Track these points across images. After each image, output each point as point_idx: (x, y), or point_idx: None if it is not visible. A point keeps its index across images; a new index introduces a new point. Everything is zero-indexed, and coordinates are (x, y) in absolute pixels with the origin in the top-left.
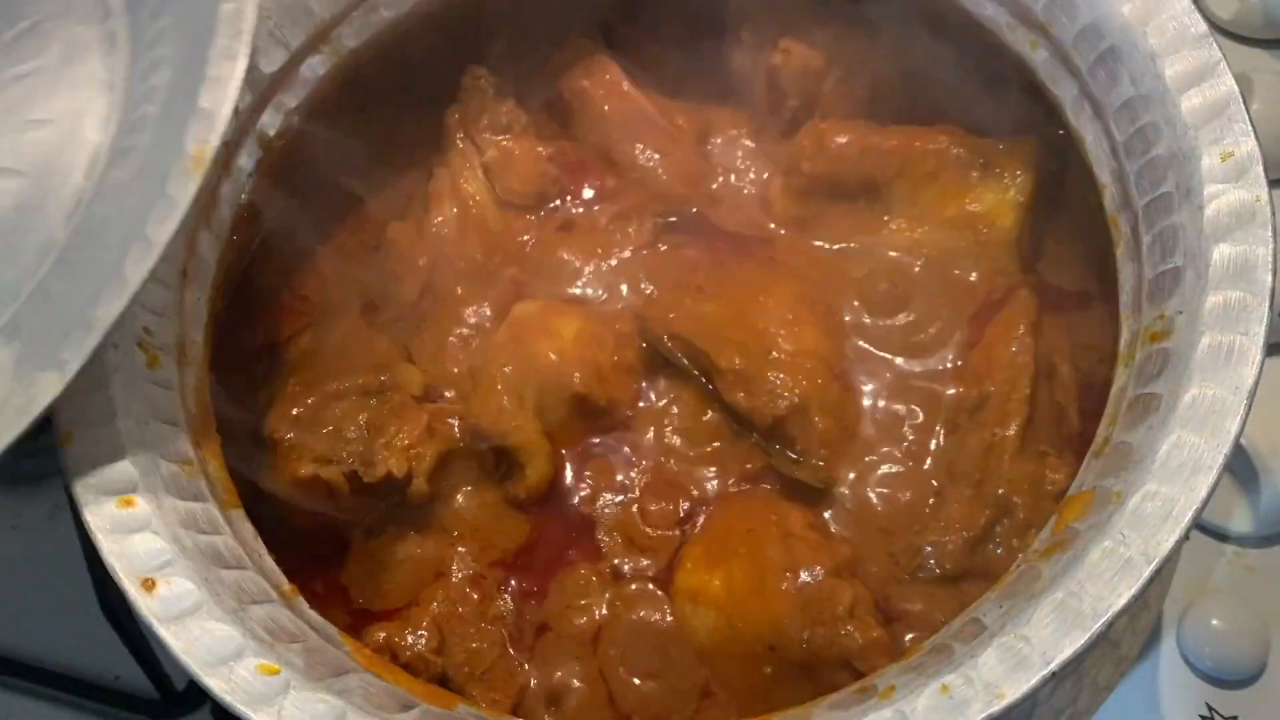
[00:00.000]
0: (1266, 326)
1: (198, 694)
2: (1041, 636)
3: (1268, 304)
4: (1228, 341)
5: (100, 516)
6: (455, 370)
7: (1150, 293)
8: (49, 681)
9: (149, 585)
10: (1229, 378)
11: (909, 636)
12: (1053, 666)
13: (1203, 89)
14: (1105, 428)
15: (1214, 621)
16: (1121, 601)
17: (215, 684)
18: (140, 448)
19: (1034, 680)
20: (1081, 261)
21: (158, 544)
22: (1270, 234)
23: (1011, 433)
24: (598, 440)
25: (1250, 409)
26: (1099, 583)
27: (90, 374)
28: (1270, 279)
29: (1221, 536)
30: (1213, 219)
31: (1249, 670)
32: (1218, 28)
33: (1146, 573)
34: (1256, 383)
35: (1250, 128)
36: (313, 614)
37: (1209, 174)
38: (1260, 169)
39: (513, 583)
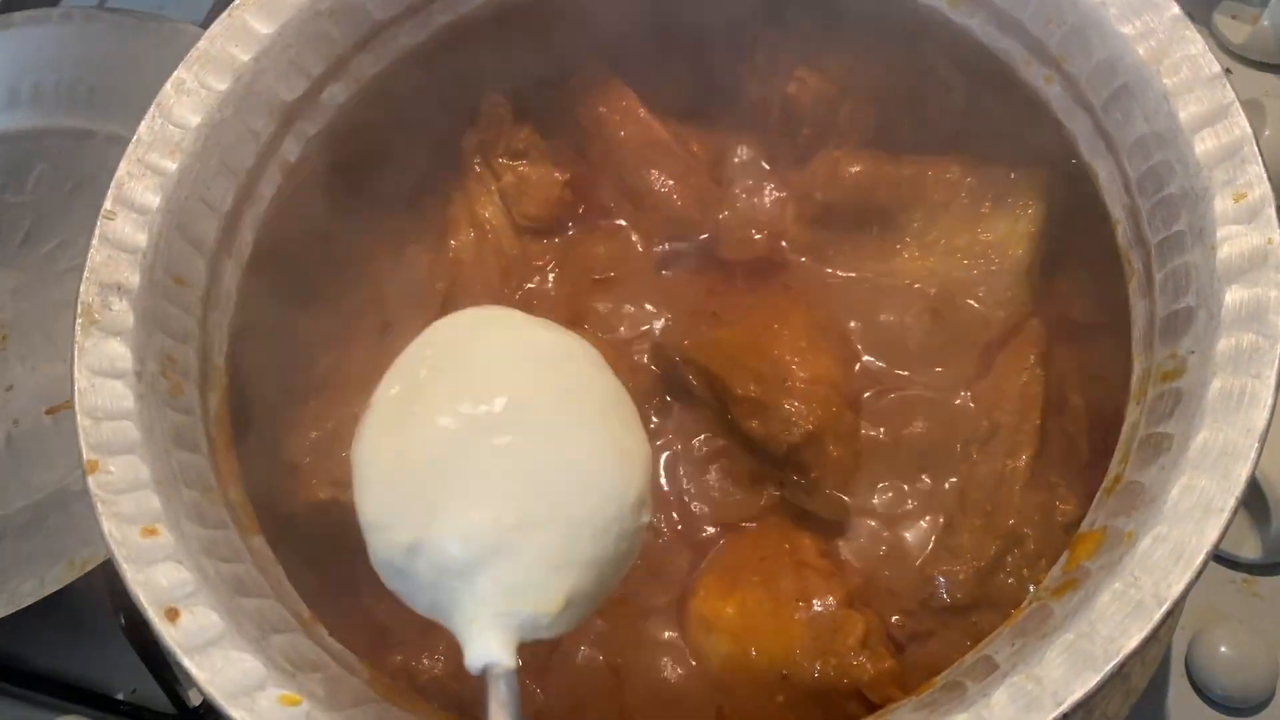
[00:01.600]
0: (1278, 370)
1: (213, 710)
2: (1053, 677)
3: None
4: (1239, 385)
5: (125, 546)
6: None
7: (1162, 331)
8: (67, 695)
9: (173, 615)
10: (1241, 421)
11: (919, 668)
12: (1064, 708)
13: (1216, 130)
14: (1117, 464)
15: (1223, 649)
16: (1133, 643)
17: (239, 715)
18: (163, 476)
19: None
20: (1093, 294)
21: (181, 573)
22: None
23: (1022, 463)
24: None
25: (1261, 452)
26: (1110, 624)
27: (115, 404)
28: None
29: (1231, 564)
30: (1225, 261)
31: (1258, 697)
32: (1230, 52)
33: (1158, 615)
34: (1268, 427)
35: (1263, 170)
36: (332, 642)
37: (1222, 216)
38: (1272, 211)
39: None
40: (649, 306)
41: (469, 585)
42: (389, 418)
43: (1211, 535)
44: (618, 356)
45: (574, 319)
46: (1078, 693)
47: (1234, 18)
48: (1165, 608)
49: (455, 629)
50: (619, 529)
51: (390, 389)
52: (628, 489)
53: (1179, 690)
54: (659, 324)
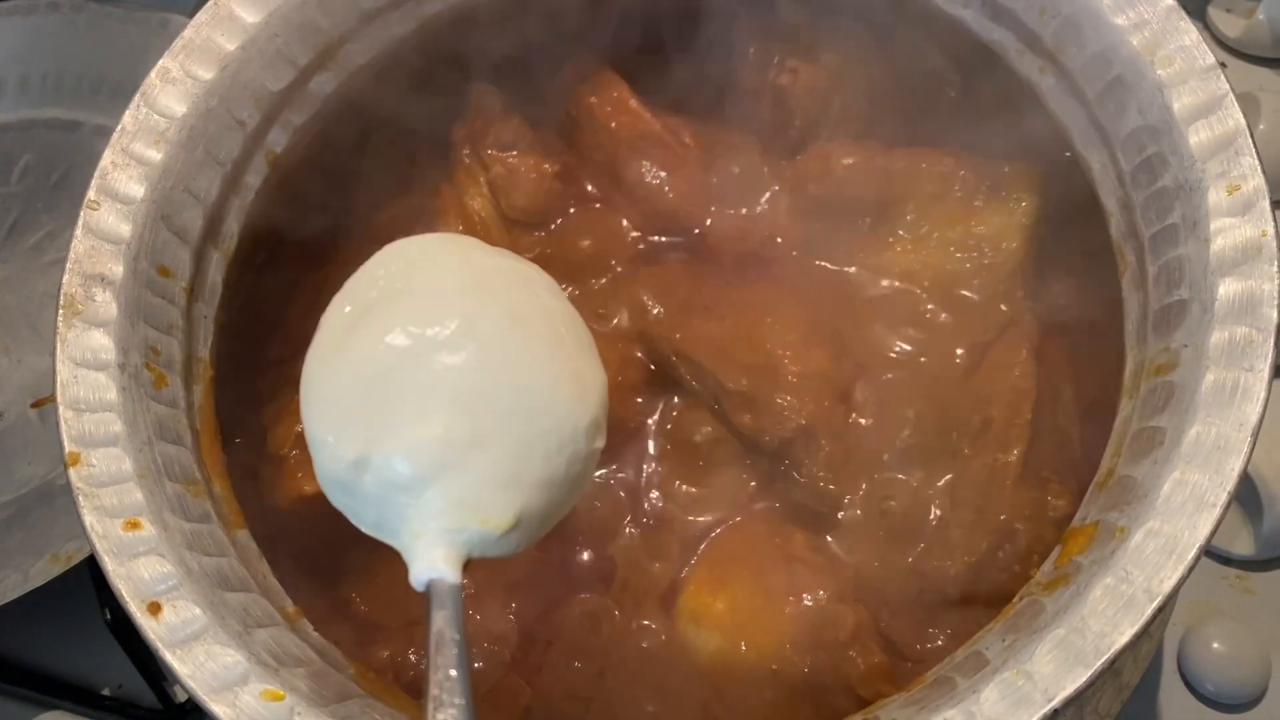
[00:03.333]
0: (1271, 364)
1: (198, 707)
2: (1044, 673)
3: (1273, 341)
4: (1233, 378)
5: (106, 539)
6: None
7: (1155, 324)
8: (52, 690)
9: (154, 609)
10: (1234, 415)
11: (910, 663)
12: (1054, 704)
13: (1210, 122)
14: (1109, 459)
15: (1215, 645)
16: (1124, 639)
17: (221, 710)
18: (147, 469)
19: (1035, 718)
20: (1086, 288)
21: (163, 567)
22: (1276, 270)
23: (1014, 458)
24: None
25: (1254, 446)
26: (1102, 619)
27: (97, 396)
28: (1276, 315)
29: (1223, 559)
30: (1219, 253)
31: (1250, 694)
32: (1224, 46)
33: (1149, 610)
34: (1261, 420)
35: (1258, 163)
36: (316, 636)
37: (1215, 208)
38: (1266, 204)
39: (515, 603)
40: (640, 299)
41: (416, 500)
42: (339, 336)
43: (1204, 530)
44: (608, 349)
45: None
46: (1068, 689)
47: (1229, 11)
48: (1157, 603)
49: (401, 545)
50: (571, 452)
51: (341, 308)
52: (582, 413)
53: (1171, 686)
54: (650, 317)
